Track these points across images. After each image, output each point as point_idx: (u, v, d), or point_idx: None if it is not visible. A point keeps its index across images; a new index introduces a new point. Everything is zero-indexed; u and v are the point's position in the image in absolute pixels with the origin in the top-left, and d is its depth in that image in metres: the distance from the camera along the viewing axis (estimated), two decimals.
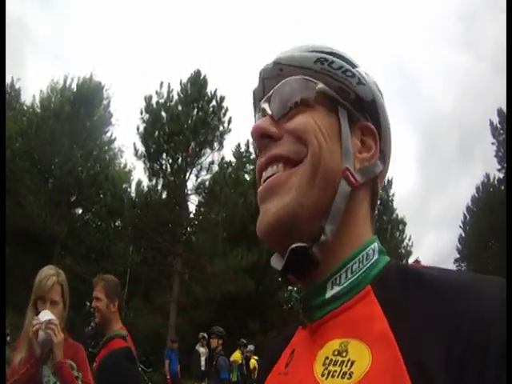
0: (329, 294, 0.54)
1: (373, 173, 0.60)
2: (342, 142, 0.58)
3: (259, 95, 0.67)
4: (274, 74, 0.63)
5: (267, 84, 0.65)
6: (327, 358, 0.49)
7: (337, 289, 0.54)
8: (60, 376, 2.05)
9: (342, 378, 0.46)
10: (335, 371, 0.47)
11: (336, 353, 0.49)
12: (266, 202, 0.56)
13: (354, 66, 0.62)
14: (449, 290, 0.47)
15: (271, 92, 0.62)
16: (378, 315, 0.48)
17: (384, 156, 0.63)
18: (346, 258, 0.55)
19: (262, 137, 0.59)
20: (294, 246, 0.53)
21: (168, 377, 11.63)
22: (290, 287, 0.64)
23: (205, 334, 12.12)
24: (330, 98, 0.60)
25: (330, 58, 0.61)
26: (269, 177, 0.58)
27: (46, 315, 2.09)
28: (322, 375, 0.48)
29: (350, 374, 0.45)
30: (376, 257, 0.56)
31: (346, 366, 0.46)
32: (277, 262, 0.58)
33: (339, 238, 0.55)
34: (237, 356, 10.97)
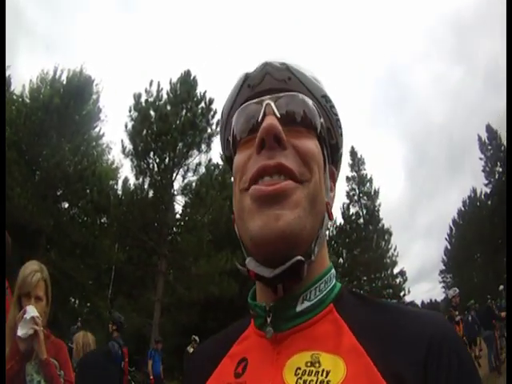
0: (299, 308, 0.58)
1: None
2: (326, 179, 0.64)
3: (254, 82, 0.65)
4: (280, 77, 0.64)
5: (267, 79, 0.64)
6: (299, 368, 0.53)
7: (307, 304, 0.59)
8: (47, 373, 2.02)
9: None
10: (311, 380, 0.51)
11: (309, 364, 0.53)
12: (274, 207, 0.55)
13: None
14: (398, 310, 0.57)
15: (281, 94, 0.62)
16: (344, 330, 0.55)
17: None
18: (317, 277, 0.61)
19: (274, 137, 0.58)
20: (299, 258, 0.55)
21: (151, 377, 11.63)
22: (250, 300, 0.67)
23: (196, 337, 12.27)
24: (321, 135, 0.64)
25: (332, 101, 0.66)
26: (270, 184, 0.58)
27: (32, 311, 2.05)
28: (297, 383, 0.52)
29: (327, 382, 0.50)
30: (334, 280, 0.64)
31: (322, 375, 0.51)
32: (260, 269, 0.57)
33: (317, 261, 0.60)
34: None
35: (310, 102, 0.63)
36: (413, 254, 61.67)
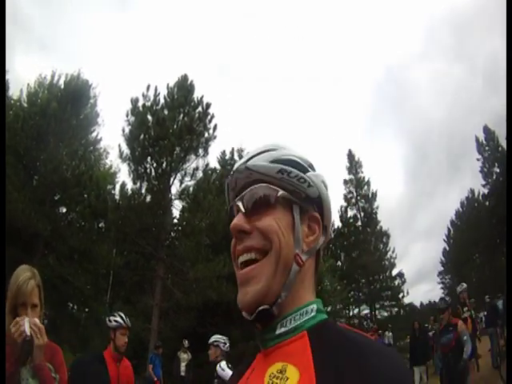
0: (278, 331, 0.80)
1: (315, 249, 0.87)
2: (295, 233, 0.83)
3: (232, 186, 0.90)
4: (245, 177, 0.87)
5: (239, 180, 0.88)
6: (272, 373, 0.75)
7: (283, 329, 0.80)
8: (41, 377, 2.03)
9: None
10: (277, 382, 0.72)
11: (278, 371, 0.74)
12: (245, 286, 0.81)
13: (307, 171, 0.86)
14: (355, 349, 0.69)
15: (244, 193, 0.86)
16: (307, 353, 0.73)
17: (326, 229, 0.89)
18: (291, 311, 0.81)
19: (238, 231, 0.83)
20: (260, 308, 0.78)
21: (156, 379, 11.64)
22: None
23: (186, 341, 12.27)
24: (287, 199, 0.84)
25: (289, 169, 0.84)
26: (244, 261, 0.82)
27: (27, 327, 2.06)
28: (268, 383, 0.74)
29: None
30: (313, 313, 0.81)
31: (283, 379, 0.72)
32: (246, 315, 0.82)
33: (289, 299, 0.81)
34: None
35: (259, 186, 0.84)
36: (411, 256, 61.49)
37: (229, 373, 5.44)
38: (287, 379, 0.72)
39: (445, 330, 7.02)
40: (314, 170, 0.90)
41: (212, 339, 6.01)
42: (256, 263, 0.81)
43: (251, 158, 0.87)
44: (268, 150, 0.87)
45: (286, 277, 0.80)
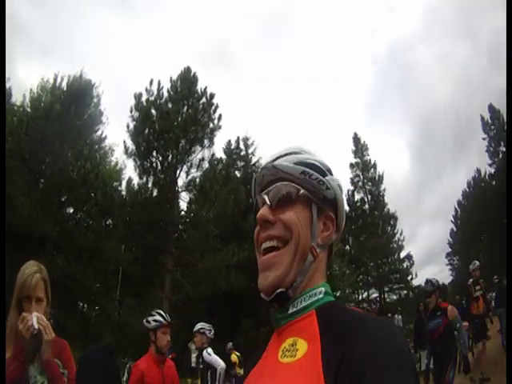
0: (290, 311, 0.91)
1: (328, 244, 0.99)
2: (312, 227, 0.95)
3: (259, 180, 1.02)
4: (272, 173, 0.99)
5: (265, 176, 1.00)
6: (285, 348, 0.86)
7: (294, 309, 0.91)
8: (49, 373, 2.03)
9: (291, 357, 0.82)
10: (288, 354, 0.83)
11: (290, 345, 0.85)
12: (266, 271, 0.92)
13: (325, 175, 0.98)
14: (353, 328, 0.78)
15: (269, 188, 0.98)
16: (315, 327, 0.84)
17: (339, 228, 1.02)
18: (302, 293, 0.92)
19: (264, 221, 0.95)
20: (278, 291, 0.90)
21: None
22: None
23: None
24: (307, 197, 0.96)
25: (311, 171, 0.96)
26: (267, 248, 0.94)
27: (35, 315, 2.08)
28: (281, 357, 0.85)
29: (295, 356, 0.82)
30: (321, 295, 0.93)
31: (294, 351, 0.83)
32: (265, 297, 0.94)
33: (303, 284, 0.93)
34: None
35: (283, 184, 0.97)
36: (419, 238, 61.15)
37: (215, 358, 5.85)
38: (297, 350, 0.83)
39: (432, 314, 6.38)
40: (331, 174, 1.01)
41: (197, 327, 6.21)
42: (277, 251, 0.92)
43: (278, 157, 0.99)
44: (294, 153, 0.99)
45: (301, 265, 0.92)
